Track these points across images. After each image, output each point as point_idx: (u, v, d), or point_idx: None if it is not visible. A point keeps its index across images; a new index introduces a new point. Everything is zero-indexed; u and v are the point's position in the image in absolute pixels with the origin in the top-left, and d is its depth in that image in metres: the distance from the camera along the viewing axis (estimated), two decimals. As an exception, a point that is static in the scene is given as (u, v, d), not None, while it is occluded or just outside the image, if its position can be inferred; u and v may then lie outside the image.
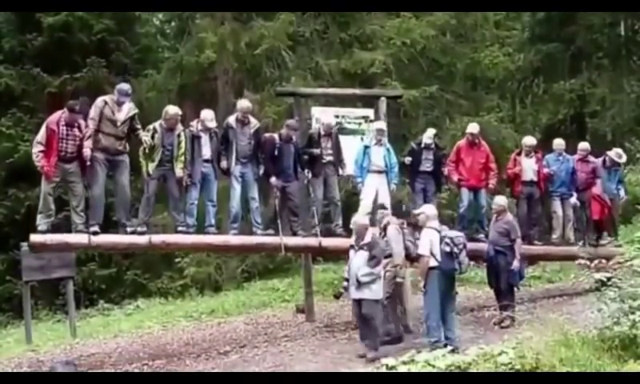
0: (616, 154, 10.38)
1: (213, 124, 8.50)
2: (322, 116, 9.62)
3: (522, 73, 16.64)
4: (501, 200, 8.59)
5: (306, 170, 8.97)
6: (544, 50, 16.10)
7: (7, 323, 13.16)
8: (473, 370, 5.49)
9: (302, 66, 14.21)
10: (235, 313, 11.45)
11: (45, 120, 15.59)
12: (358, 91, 11.84)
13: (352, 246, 7.58)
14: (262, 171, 8.83)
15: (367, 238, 7.38)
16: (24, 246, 10.40)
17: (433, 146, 9.45)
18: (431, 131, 9.63)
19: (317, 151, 8.94)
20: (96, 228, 7.93)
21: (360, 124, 10.07)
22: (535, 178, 9.70)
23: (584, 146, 10.33)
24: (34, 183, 14.98)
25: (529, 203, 9.74)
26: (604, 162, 10.28)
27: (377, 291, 7.29)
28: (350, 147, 9.50)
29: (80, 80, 15.29)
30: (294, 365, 7.45)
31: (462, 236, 7.43)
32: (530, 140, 10.00)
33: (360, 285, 7.25)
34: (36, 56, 15.59)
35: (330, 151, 9.10)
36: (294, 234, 8.91)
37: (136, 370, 7.98)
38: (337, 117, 10.07)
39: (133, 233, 8.14)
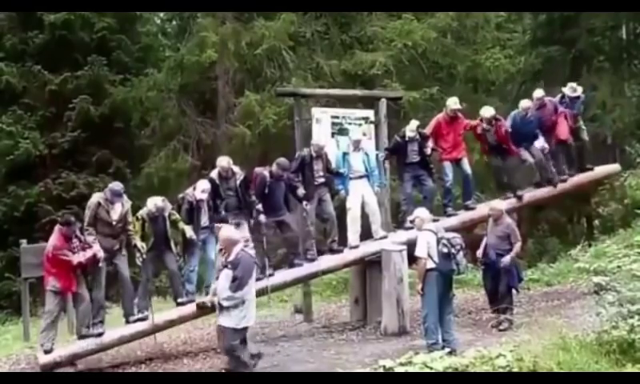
0: (570, 88, 10.35)
1: (205, 195, 8.46)
2: (321, 115, 9.64)
3: (522, 75, 16.61)
4: (499, 205, 8.61)
5: (304, 203, 8.90)
6: (545, 52, 16.06)
7: (5, 320, 13.12)
8: (470, 372, 5.48)
9: (302, 67, 14.23)
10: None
11: (46, 118, 15.69)
12: (358, 92, 11.87)
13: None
14: (256, 211, 8.62)
15: (232, 255, 6.25)
16: (23, 242, 10.44)
17: (417, 137, 9.43)
18: (414, 123, 9.60)
19: (301, 193, 8.81)
20: (100, 328, 7.96)
21: (360, 125, 10.10)
22: (496, 144, 9.78)
23: (538, 93, 10.21)
24: (33, 181, 15.14)
25: (501, 157, 9.86)
26: (562, 98, 10.27)
27: (236, 318, 6.14)
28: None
29: (81, 78, 15.29)
30: (290, 365, 7.45)
31: (459, 237, 7.37)
32: (486, 111, 9.80)
33: (221, 309, 6.27)
34: (37, 53, 15.56)
35: (321, 173, 9.09)
36: (292, 265, 8.94)
37: (133, 369, 7.98)
38: (337, 117, 10.12)
39: (136, 321, 8.14)
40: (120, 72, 15.85)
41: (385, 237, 9.20)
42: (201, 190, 8.47)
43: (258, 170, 8.88)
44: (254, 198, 8.61)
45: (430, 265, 7.16)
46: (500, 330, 7.90)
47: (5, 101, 15.37)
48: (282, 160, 8.86)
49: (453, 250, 7.08)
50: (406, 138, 9.41)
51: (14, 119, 15.05)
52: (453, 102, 9.74)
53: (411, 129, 9.46)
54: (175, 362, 8.22)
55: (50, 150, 15.11)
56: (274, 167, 8.74)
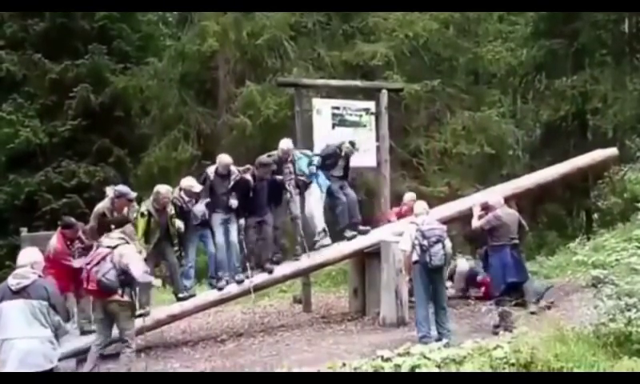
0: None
1: (196, 190, 8.40)
2: (322, 106, 9.77)
3: (524, 68, 16.57)
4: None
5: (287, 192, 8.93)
6: (547, 45, 16.01)
7: (5, 308, 13.18)
8: (468, 363, 5.51)
9: (303, 57, 14.19)
10: (232, 302, 11.44)
11: (46, 106, 15.55)
12: (359, 83, 11.85)
13: None
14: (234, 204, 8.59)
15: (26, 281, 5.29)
16: (23, 231, 10.46)
17: (351, 154, 9.38)
18: (355, 142, 9.51)
19: (280, 178, 8.86)
20: None
21: (361, 116, 10.09)
22: None
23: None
24: (33, 169, 15.14)
25: None
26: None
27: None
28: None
29: (81, 66, 15.28)
30: (289, 354, 7.48)
31: (440, 229, 7.18)
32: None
33: None
34: (37, 42, 15.53)
35: (292, 176, 9.04)
36: (269, 263, 8.91)
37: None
38: (338, 108, 10.10)
39: (137, 316, 7.91)
40: (120, 61, 15.82)
41: (328, 245, 9.07)
42: (190, 186, 8.41)
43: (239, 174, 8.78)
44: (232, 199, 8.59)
45: (415, 257, 7.17)
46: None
47: (5, 89, 15.34)
48: (262, 158, 8.84)
49: (425, 242, 6.98)
50: (342, 153, 9.31)
51: (15, 107, 15.03)
52: (414, 202, 9.24)
53: (356, 146, 9.43)
54: (175, 351, 8.25)
55: (50, 139, 15.10)
56: (258, 169, 8.71)
